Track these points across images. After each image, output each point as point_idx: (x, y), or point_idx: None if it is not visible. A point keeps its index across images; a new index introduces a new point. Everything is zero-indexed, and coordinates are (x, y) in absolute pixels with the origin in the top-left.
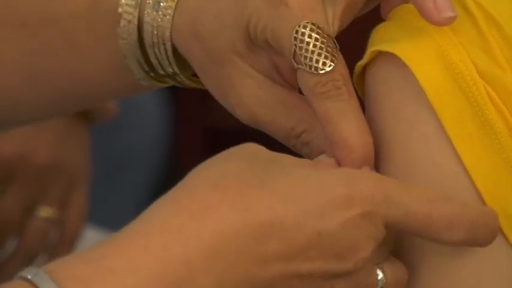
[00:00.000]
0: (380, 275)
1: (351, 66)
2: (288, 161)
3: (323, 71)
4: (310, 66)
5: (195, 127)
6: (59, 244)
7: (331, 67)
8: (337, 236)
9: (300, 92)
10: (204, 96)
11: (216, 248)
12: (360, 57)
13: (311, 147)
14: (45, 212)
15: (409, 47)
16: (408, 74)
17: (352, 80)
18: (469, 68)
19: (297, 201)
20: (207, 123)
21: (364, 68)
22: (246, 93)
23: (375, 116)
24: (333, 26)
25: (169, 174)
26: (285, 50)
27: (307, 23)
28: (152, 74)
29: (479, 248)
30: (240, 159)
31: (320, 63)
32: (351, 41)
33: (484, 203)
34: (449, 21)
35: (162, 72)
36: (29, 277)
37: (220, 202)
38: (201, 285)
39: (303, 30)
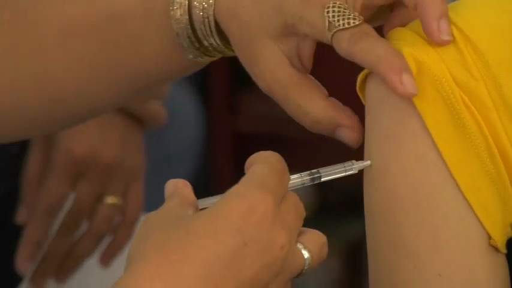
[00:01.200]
0: (305, 252)
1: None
2: (189, 216)
3: (354, 24)
4: (344, 24)
5: (225, 131)
6: (121, 226)
7: (360, 21)
8: (258, 238)
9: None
10: (233, 104)
11: None
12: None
13: (308, 118)
14: (110, 200)
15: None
16: None
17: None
18: (448, 79)
19: (214, 231)
20: (235, 128)
21: (366, 77)
22: (268, 69)
23: (373, 115)
24: (355, 4)
25: (203, 174)
26: (320, 27)
27: (334, 2)
28: (200, 48)
29: (469, 250)
30: (158, 226)
31: (351, 20)
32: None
33: (464, 196)
34: (446, 43)
35: (206, 44)
36: None
37: (165, 261)
38: None
39: (332, 7)
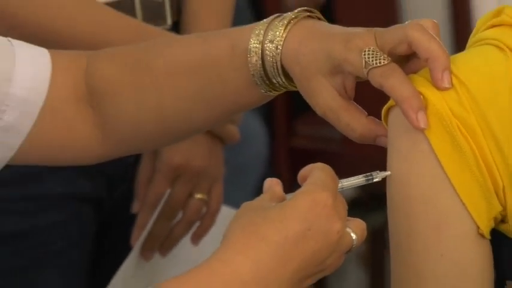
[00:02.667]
0: (352, 235)
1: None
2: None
3: (384, 63)
4: (376, 63)
5: (284, 148)
6: (206, 216)
7: (389, 61)
8: (319, 225)
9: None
10: (290, 127)
11: (254, 272)
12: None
13: (356, 133)
14: (199, 196)
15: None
16: None
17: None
18: (448, 113)
19: (285, 218)
20: (292, 146)
21: (388, 110)
22: (323, 100)
23: (393, 138)
24: (383, 51)
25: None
26: (359, 66)
27: (369, 47)
28: (269, 85)
29: (438, 235)
30: (247, 213)
31: (382, 60)
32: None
33: (460, 198)
34: (447, 89)
35: (274, 81)
36: None
37: (249, 239)
38: None
39: (367, 50)
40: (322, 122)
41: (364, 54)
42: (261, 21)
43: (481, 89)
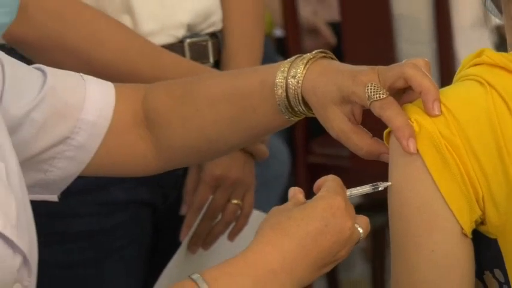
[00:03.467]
0: (360, 230)
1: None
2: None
3: (383, 97)
4: (376, 97)
5: (303, 164)
6: (240, 217)
7: (387, 95)
8: (334, 223)
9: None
10: (308, 147)
11: (283, 260)
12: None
13: (363, 151)
14: (235, 201)
15: (413, 123)
16: None
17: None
18: (438, 135)
19: (307, 217)
20: (309, 162)
21: (389, 132)
22: (335, 124)
23: (393, 156)
24: (384, 86)
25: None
26: (363, 98)
27: (371, 83)
28: (292, 112)
29: (421, 238)
30: (275, 214)
31: (381, 95)
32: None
33: (448, 204)
34: (437, 116)
35: (296, 109)
36: (193, 277)
37: (277, 234)
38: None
39: (370, 85)
40: (334, 143)
41: (367, 89)
42: (286, 61)
43: (465, 116)
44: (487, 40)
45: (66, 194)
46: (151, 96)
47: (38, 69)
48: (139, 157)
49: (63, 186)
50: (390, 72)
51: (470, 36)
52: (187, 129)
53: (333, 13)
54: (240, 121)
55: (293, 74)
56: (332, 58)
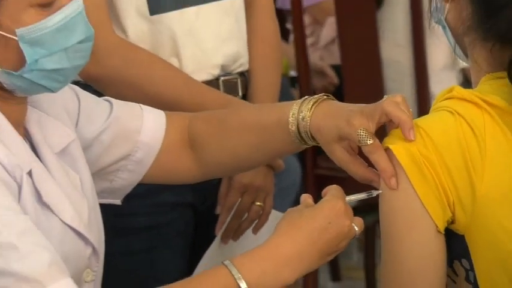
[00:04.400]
0: (356, 228)
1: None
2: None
3: (370, 143)
4: (365, 143)
5: (311, 175)
6: (262, 216)
7: (373, 140)
8: (336, 221)
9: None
10: (315, 159)
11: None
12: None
13: (358, 177)
14: (258, 203)
15: (396, 145)
16: (393, 155)
17: None
18: (417, 153)
19: (315, 215)
20: (317, 173)
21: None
22: (337, 156)
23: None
24: (372, 128)
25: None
26: (355, 140)
27: (361, 129)
28: (302, 142)
29: (404, 235)
30: (290, 213)
31: (369, 140)
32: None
33: (425, 207)
34: (412, 141)
35: (307, 141)
36: (225, 263)
37: (291, 229)
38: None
39: (360, 130)
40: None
41: (358, 135)
42: (296, 102)
43: (439, 138)
44: (455, 79)
45: (128, 197)
46: (194, 124)
47: (107, 100)
48: (185, 170)
49: (125, 192)
50: (375, 112)
51: (442, 76)
52: (221, 151)
53: (336, 58)
54: (262, 147)
55: (302, 116)
56: (332, 99)
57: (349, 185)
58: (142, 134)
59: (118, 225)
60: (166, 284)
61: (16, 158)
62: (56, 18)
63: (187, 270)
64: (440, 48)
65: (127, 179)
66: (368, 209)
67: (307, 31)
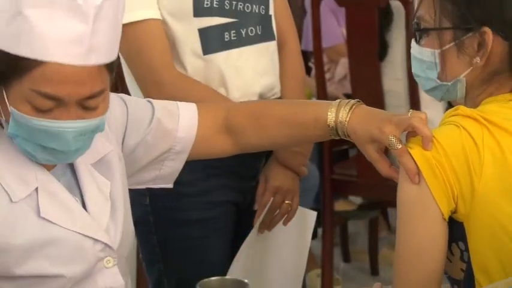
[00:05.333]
0: None
1: None
2: None
3: (399, 148)
4: (394, 147)
5: (328, 179)
6: (290, 212)
7: (401, 145)
8: None
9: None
10: (331, 167)
11: None
12: None
13: (383, 173)
14: (287, 202)
15: (415, 150)
16: (412, 158)
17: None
18: (430, 157)
19: None
20: (332, 177)
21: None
22: (368, 154)
23: (402, 172)
24: (399, 135)
25: (319, 197)
26: (386, 144)
27: (391, 136)
28: (338, 137)
29: (417, 220)
30: None
31: (398, 145)
32: None
33: (435, 199)
34: (430, 150)
35: (342, 137)
36: None
37: None
38: None
39: (391, 136)
40: (347, 166)
41: (389, 140)
42: (331, 104)
43: (448, 146)
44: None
45: (185, 196)
46: (233, 116)
47: (148, 102)
48: (221, 150)
49: (174, 177)
50: (403, 123)
51: (429, 104)
52: (259, 139)
53: (347, 90)
54: (297, 138)
55: (340, 119)
56: (362, 104)
57: (358, 187)
58: (179, 131)
59: (177, 218)
60: (216, 265)
61: (22, 177)
62: (43, 122)
63: (231, 253)
64: None
65: (172, 167)
66: (372, 207)
67: (325, 68)
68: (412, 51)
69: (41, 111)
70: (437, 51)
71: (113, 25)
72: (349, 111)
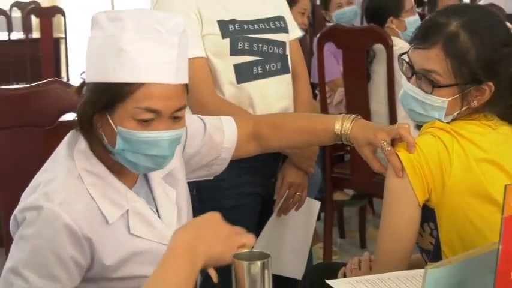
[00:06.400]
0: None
1: None
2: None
3: (388, 150)
4: (385, 149)
5: (329, 177)
6: (300, 201)
7: (390, 149)
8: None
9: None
10: (332, 167)
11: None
12: None
13: (375, 169)
14: (298, 193)
15: (401, 153)
16: (399, 158)
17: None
18: (412, 158)
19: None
20: (332, 175)
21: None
22: (365, 154)
23: (390, 170)
24: (389, 140)
25: (322, 191)
26: (379, 146)
27: (383, 141)
28: (340, 142)
29: (399, 205)
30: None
31: (387, 148)
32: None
33: (414, 191)
34: (413, 152)
35: (344, 142)
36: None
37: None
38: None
39: (383, 142)
40: (344, 167)
41: (381, 144)
42: (337, 117)
43: (426, 150)
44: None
45: (220, 189)
46: (258, 127)
47: (200, 119)
48: (247, 153)
49: (217, 174)
50: (392, 131)
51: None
52: (280, 143)
53: (342, 110)
54: (309, 142)
55: (344, 130)
56: (360, 118)
57: (351, 183)
58: (224, 143)
59: (216, 205)
60: None
61: (115, 201)
62: (145, 134)
63: (257, 233)
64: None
65: (217, 168)
66: (361, 197)
67: (327, 95)
68: (410, 92)
69: (143, 124)
70: (447, 99)
71: (186, 53)
72: (351, 123)
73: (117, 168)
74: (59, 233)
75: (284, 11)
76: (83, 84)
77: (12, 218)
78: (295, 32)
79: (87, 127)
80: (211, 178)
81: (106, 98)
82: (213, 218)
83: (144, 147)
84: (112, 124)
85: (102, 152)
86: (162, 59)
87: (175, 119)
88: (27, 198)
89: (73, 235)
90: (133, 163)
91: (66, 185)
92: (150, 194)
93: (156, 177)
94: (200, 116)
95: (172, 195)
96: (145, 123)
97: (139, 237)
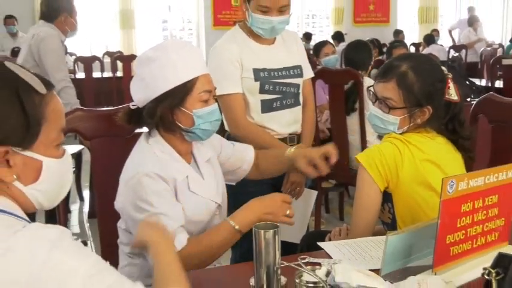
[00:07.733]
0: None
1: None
2: None
3: (317, 161)
4: (315, 161)
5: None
6: (299, 192)
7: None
8: (271, 201)
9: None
10: (320, 178)
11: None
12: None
13: (311, 174)
14: (298, 188)
15: (360, 157)
16: (360, 161)
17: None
18: (373, 159)
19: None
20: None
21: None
22: (300, 165)
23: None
24: (318, 156)
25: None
26: (312, 156)
27: (313, 158)
28: (291, 164)
29: (366, 191)
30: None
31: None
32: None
33: (375, 181)
34: (334, 163)
35: (291, 162)
36: (226, 219)
37: (251, 206)
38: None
39: (314, 153)
40: (330, 178)
41: (314, 157)
42: (288, 148)
43: (385, 153)
44: (376, 135)
45: (247, 180)
46: (258, 158)
47: (232, 143)
48: (253, 175)
49: (240, 179)
50: (321, 150)
51: (370, 134)
52: (264, 169)
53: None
54: (280, 170)
55: (288, 152)
56: (301, 147)
57: (334, 175)
58: (244, 164)
59: (241, 188)
60: None
61: (177, 170)
62: (207, 109)
63: None
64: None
65: (239, 175)
66: (340, 185)
67: (318, 116)
68: (374, 113)
69: (205, 103)
70: (399, 118)
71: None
72: (294, 149)
73: (179, 150)
74: (156, 180)
75: (302, 59)
76: (130, 110)
77: (118, 192)
78: (308, 73)
79: (167, 124)
80: (234, 183)
81: (178, 96)
82: (274, 196)
83: (210, 116)
84: (187, 111)
85: (173, 139)
86: (200, 58)
87: (214, 98)
88: (126, 174)
89: (163, 179)
90: (207, 131)
91: (147, 159)
92: (198, 170)
93: (201, 160)
94: (233, 142)
95: (212, 172)
96: (205, 102)
97: (196, 194)
